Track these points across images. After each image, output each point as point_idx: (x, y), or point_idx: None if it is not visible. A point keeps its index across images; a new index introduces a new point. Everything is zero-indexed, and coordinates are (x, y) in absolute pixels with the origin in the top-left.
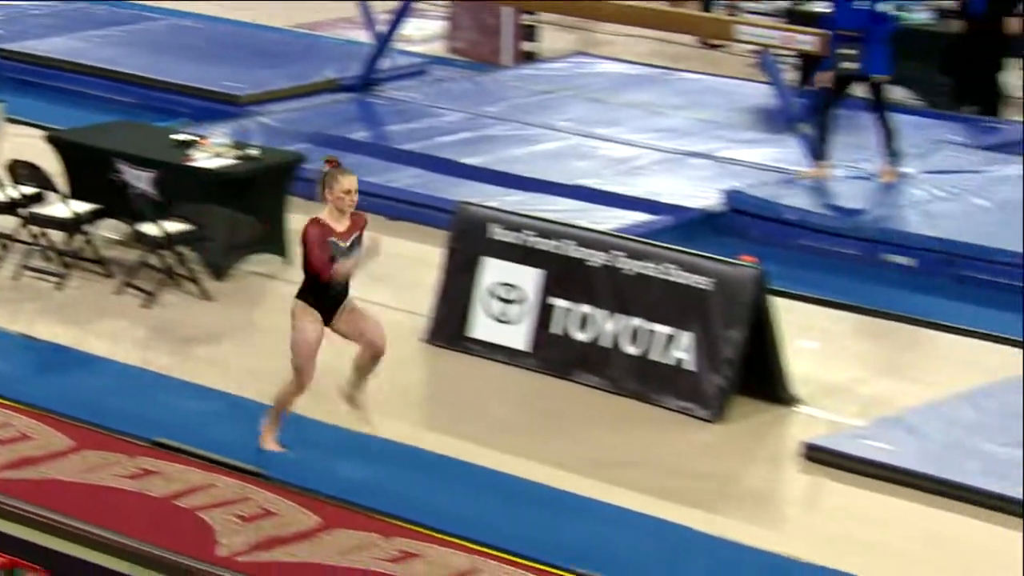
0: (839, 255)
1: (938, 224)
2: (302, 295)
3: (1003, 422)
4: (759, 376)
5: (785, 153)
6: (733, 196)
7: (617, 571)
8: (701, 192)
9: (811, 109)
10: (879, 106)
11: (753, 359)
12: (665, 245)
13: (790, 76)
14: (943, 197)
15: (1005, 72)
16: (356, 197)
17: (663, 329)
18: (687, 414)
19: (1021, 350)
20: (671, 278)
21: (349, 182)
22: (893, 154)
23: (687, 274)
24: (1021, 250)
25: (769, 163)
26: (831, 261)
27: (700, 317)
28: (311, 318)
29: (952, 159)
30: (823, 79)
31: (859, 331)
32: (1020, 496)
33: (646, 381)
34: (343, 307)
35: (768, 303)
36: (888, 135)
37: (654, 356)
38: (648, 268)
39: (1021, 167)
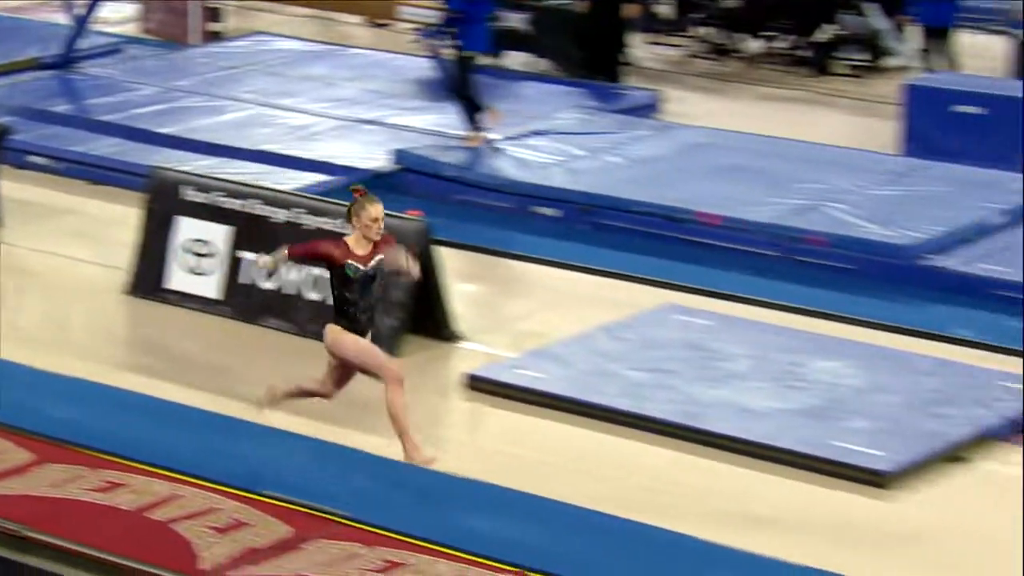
0: (494, 208)
1: (579, 179)
2: (332, 321)
3: (638, 351)
4: (426, 317)
5: (445, 119)
6: (400, 156)
7: (300, 493)
8: (372, 154)
9: (455, 84)
10: (466, 80)
11: (421, 302)
12: (340, 202)
13: (447, 50)
14: (582, 156)
15: (629, 45)
16: (382, 224)
17: None
18: None
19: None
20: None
21: (376, 211)
22: (475, 122)
23: None
24: (651, 200)
25: (432, 128)
26: (487, 214)
27: None
28: (348, 333)
29: (588, 122)
30: (445, 54)
31: (513, 275)
32: (651, 413)
33: (326, 324)
34: (365, 338)
35: (433, 252)
36: (468, 106)
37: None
38: (326, 223)
39: (647, 128)
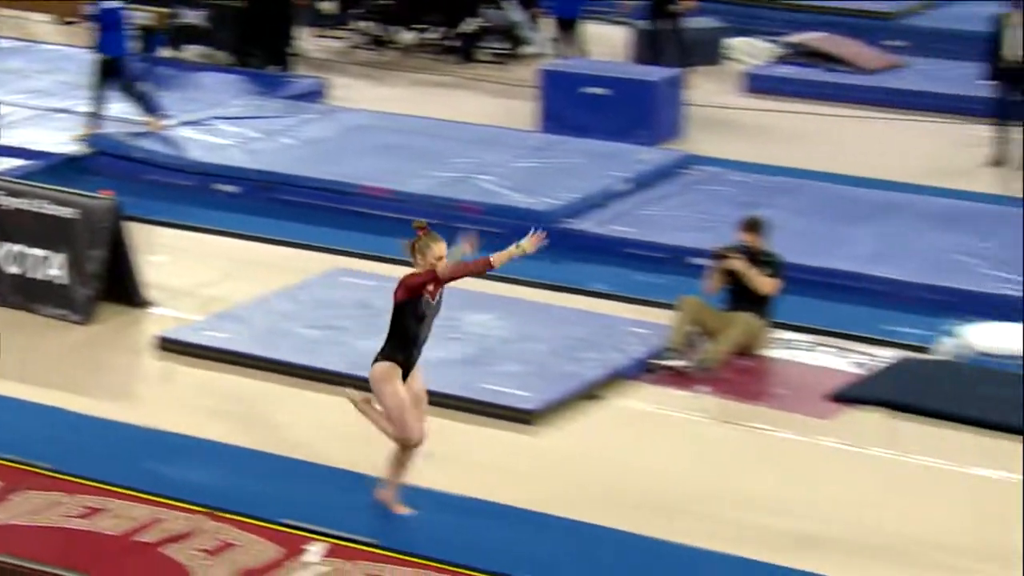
0: (179, 186)
1: (255, 158)
2: (388, 357)
3: (310, 310)
4: (120, 286)
5: (132, 107)
6: (93, 141)
7: (7, 449)
8: (65, 140)
9: (95, 84)
10: (123, 79)
11: (114, 273)
12: (37, 184)
13: (134, 45)
14: (258, 138)
15: (296, 38)
16: (446, 261)
17: (39, 252)
18: (63, 319)
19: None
20: (44, 211)
21: (441, 248)
22: (152, 109)
23: (56, 207)
24: (321, 176)
25: (120, 115)
26: (173, 191)
27: (69, 241)
28: (398, 380)
29: (262, 107)
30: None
31: (199, 247)
32: (323, 365)
33: (28, 295)
34: (415, 369)
35: (124, 227)
36: (139, 98)
37: (33, 275)
38: (24, 203)
39: (315, 112)
